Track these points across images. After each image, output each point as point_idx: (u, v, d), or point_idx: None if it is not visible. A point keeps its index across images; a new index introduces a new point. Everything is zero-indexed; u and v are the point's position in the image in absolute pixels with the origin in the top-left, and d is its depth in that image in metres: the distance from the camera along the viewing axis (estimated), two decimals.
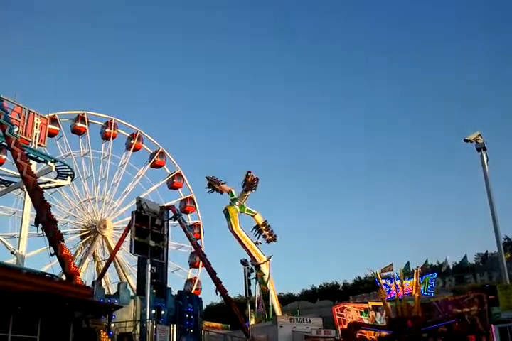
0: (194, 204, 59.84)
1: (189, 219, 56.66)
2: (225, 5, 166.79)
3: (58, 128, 51.33)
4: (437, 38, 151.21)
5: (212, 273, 37.52)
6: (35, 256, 44.27)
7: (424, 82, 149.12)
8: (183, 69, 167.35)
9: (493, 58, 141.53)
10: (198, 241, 50.59)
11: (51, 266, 32.85)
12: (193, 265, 57.40)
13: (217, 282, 36.92)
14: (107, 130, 55.52)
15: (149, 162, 58.68)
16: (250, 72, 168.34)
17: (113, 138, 56.39)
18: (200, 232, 58.08)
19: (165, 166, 59.70)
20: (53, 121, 50.03)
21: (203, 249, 43.66)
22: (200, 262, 54.38)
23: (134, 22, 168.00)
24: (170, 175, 59.44)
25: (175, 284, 34.75)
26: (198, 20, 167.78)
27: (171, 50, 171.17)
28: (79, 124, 53.44)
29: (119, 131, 57.00)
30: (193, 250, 56.00)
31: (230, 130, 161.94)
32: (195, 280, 56.75)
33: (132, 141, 57.17)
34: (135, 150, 58.03)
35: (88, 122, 54.45)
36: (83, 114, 53.96)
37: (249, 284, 39.77)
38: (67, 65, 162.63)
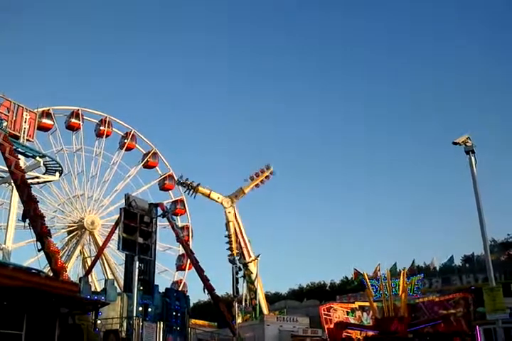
0: (184, 206, 59.51)
1: (179, 222, 56.36)
2: (225, 2, 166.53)
3: (52, 123, 51.33)
4: (437, 38, 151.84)
5: (200, 270, 37.45)
6: (21, 248, 44.08)
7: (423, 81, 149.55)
8: (182, 69, 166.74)
9: (492, 59, 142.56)
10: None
11: (37, 258, 32.58)
12: (180, 268, 57.14)
13: (204, 280, 36.84)
14: (101, 128, 55.33)
15: (142, 162, 58.50)
16: (248, 70, 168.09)
17: (107, 136, 56.15)
18: (189, 235, 57.78)
19: (157, 167, 59.54)
20: (48, 115, 50.20)
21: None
22: (188, 265, 54.77)
23: (131, 19, 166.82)
24: (162, 176, 59.26)
25: (160, 286, 34.96)
26: (196, 16, 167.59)
27: (170, 48, 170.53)
28: (73, 120, 53.27)
29: (114, 129, 56.82)
30: (180, 253, 56.09)
31: (226, 130, 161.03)
32: (181, 282, 56.44)
33: (126, 140, 56.98)
34: (128, 149, 57.80)
35: (83, 119, 54.27)
36: (78, 110, 53.76)
37: (237, 282, 39.79)
38: (65, 61, 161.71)
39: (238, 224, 54.61)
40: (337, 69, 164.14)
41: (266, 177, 55.93)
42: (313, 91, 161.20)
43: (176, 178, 59.09)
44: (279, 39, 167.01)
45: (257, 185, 55.92)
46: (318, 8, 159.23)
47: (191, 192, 53.68)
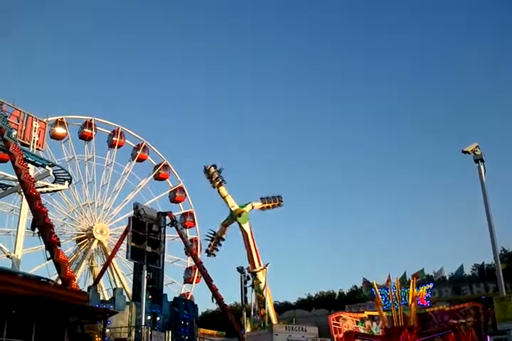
0: (193, 219, 59.42)
1: (188, 234, 56.12)
2: (226, 6, 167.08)
3: (66, 132, 52.28)
4: (439, 42, 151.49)
5: (208, 279, 37.41)
6: (29, 255, 44.10)
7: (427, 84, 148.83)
8: (191, 80, 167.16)
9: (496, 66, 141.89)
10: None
11: (45, 265, 32.66)
12: (187, 280, 56.88)
13: (213, 289, 36.79)
14: (113, 138, 55.83)
15: (153, 173, 58.71)
16: (251, 77, 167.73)
17: (119, 146, 56.54)
18: (197, 248, 57.62)
19: (168, 179, 59.59)
20: (61, 124, 50.95)
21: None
22: (195, 278, 54.98)
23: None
24: (172, 188, 59.35)
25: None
26: (199, 22, 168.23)
27: (173, 54, 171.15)
28: (86, 130, 53.87)
29: (126, 140, 57.20)
30: (188, 265, 56.09)
31: (233, 144, 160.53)
32: (188, 295, 55.97)
33: (138, 152, 57.30)
34: (140, 160, 58.09)
35: (95, 129, 54.79)
36: (91, 120, 54.33)
37: (246, 292, 39.73)
38: (76, 69, 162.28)
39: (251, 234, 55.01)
40: (338, 71, 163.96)
41: (273, 207, 57.29)
42: (314, 95, 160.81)
43: (186, 190, 59.25)
44: (278, 42, 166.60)
45: (263, 209, 56.98)
46: (319, 8, 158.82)
47: (211, 184, 54.18)
